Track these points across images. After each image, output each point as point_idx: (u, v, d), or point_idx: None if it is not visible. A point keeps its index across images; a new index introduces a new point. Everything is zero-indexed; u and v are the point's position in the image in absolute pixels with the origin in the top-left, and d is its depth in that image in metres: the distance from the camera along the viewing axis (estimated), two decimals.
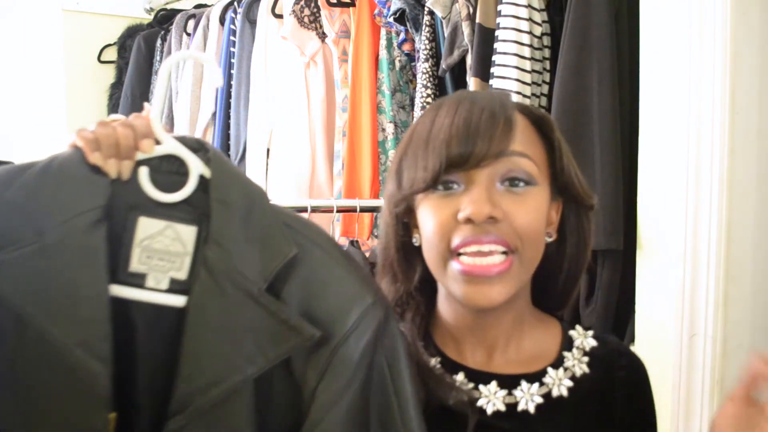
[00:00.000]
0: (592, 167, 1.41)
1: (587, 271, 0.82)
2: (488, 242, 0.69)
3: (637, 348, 1.38)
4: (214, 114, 2.38)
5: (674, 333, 1.31)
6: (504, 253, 0.70)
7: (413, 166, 0.73)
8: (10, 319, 0.60)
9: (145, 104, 0.68)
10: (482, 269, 0.70)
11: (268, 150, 2.19)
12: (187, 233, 0.65)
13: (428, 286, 0.80)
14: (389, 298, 0.79)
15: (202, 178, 0.66)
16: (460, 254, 0.70)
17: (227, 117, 2.34)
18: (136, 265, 0.64)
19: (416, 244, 0.77)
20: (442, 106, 0.74)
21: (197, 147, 0.66)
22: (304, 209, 1.63)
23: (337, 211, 1.34)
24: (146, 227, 0.64)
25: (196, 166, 0.65)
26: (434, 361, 0.77)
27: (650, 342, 1.36)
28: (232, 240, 0.63)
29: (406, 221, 0.78)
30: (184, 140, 0.67)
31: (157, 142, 0.66)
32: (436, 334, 0.80)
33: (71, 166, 0.63)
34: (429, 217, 0.72)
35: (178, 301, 0.64)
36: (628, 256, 1.40)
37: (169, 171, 0.66)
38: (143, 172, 0.65)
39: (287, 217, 0.69)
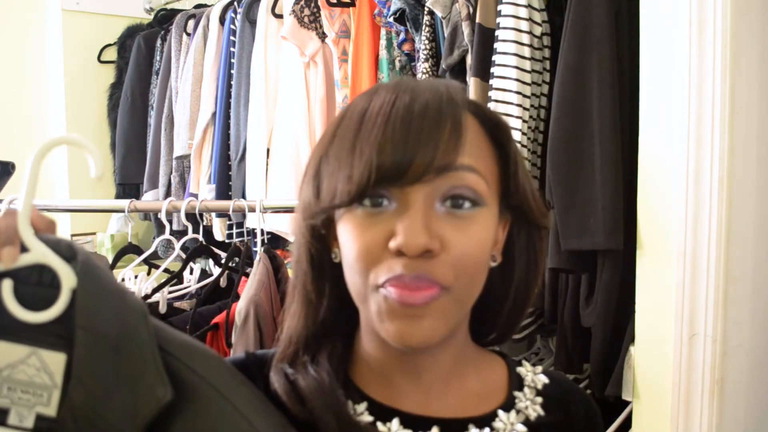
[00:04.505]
0: (592, 167, 1.41)
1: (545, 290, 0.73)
2: (417, 289, 0.57)
3: (637, 348, 1.38)
4: (214, 114, 2.38)
5: (674, 333, 1.31)
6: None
7: (335, 172, 0.59)
8: None
9: (20, 201, 0.55)
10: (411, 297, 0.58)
11: (268, 150, 2.19)
12: (54, 362, 0.54)
13: (346, 315, 0.67)
14: (299, 330, 0.66)
15: (76, 293, 0.55)
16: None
17: (227, 117, 2.34)
18: None
19: (335, 261, 0.64)
20: (375, 96, 0.61)
21: (70, 255, 0.55)
22: None
23: None
24: (8, 354, 0.53)
25: (69, 280, 0.54)
26: (361, 408, 0.64)
27: (650, 342, 1.36)
28: (97, 377, 0.53)
29: (324, 232, 0.64)
30: (58, 246, 0.55)
31: (25, 249, 0.54)
32: (355, 373, 0.67)
33: None
34: (351, 239, 0.59)
35: None
36: (628, 256, 1.40)
37: (39, 283, 0.54)
38: (6, 286, 0.54)
39: (174, 344, 0.56)
